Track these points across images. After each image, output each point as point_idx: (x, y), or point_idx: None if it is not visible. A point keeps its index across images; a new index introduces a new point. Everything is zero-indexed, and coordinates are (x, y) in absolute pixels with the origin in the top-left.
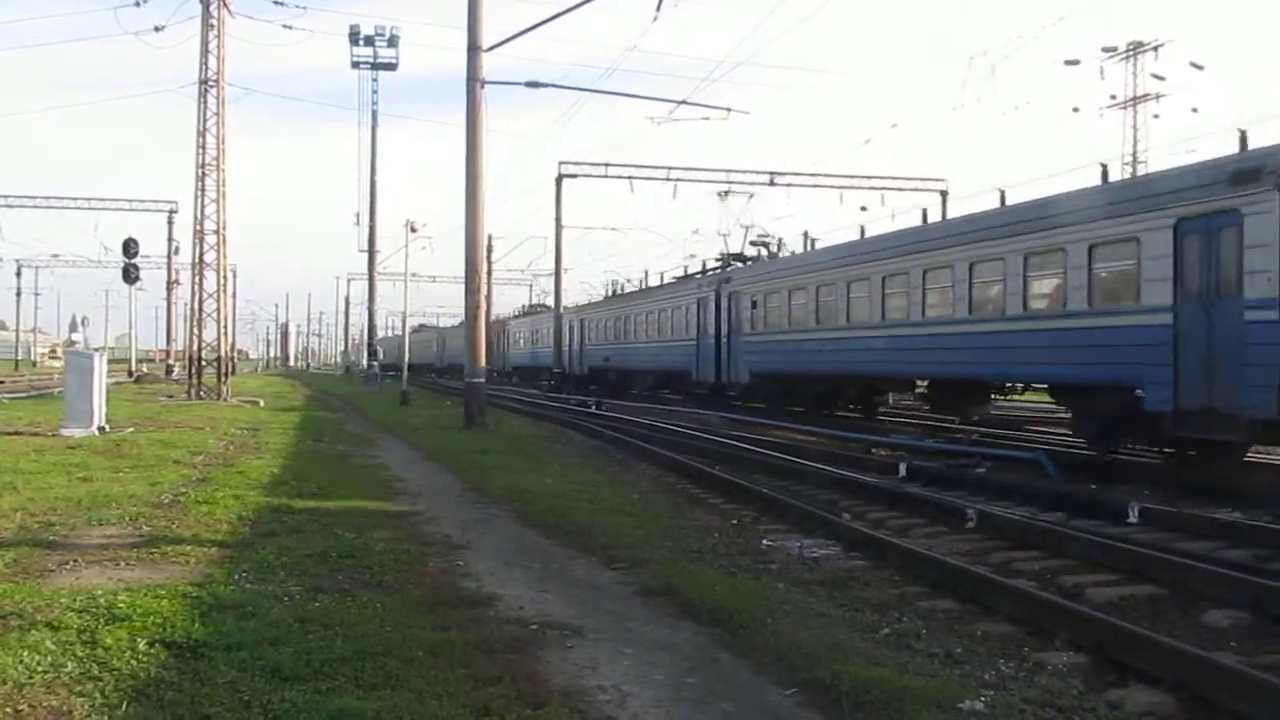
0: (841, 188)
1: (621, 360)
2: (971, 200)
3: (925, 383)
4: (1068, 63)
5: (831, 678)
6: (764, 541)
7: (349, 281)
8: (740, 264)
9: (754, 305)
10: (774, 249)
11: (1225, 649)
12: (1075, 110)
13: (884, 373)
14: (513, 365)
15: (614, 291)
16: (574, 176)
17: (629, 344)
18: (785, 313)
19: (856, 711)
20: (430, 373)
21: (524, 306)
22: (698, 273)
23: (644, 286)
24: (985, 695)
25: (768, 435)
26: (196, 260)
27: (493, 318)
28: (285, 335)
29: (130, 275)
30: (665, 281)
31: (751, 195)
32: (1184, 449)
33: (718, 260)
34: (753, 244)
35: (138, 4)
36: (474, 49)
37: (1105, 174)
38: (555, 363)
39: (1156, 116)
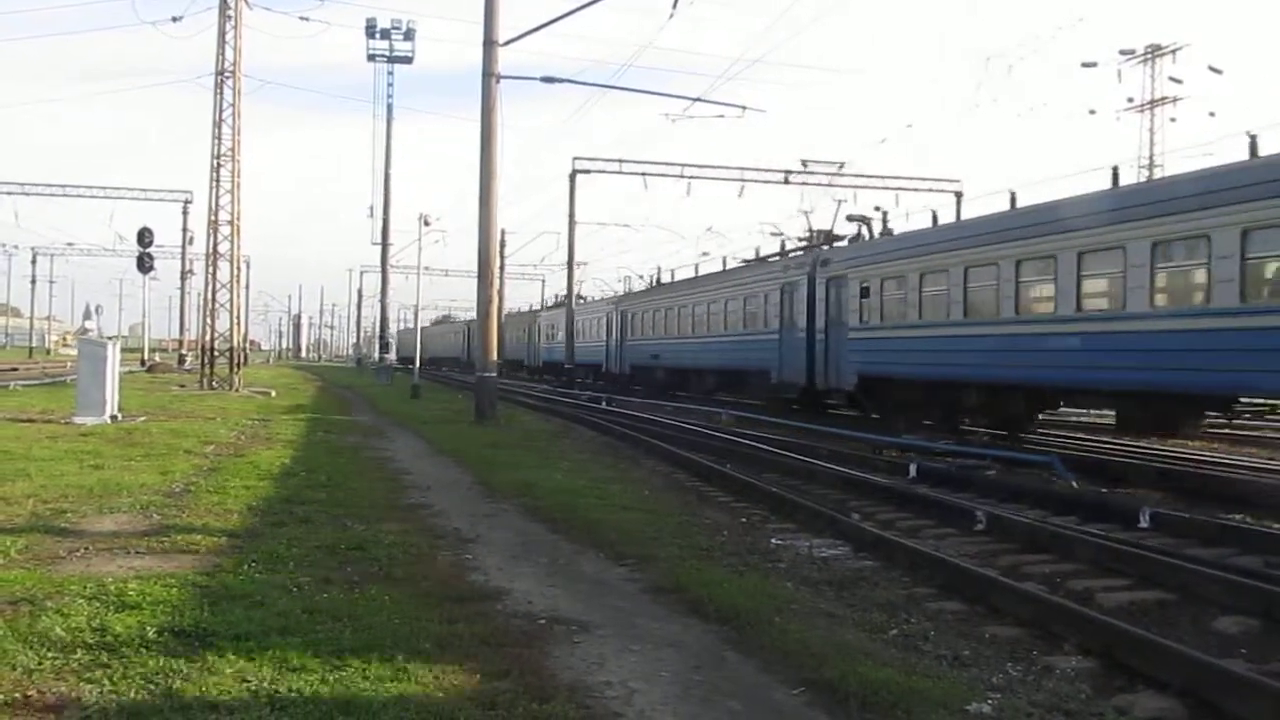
0: (856, 187)
1: (675, 358)
2: (988, 201)
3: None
4: (1085, 65)
5: (839, 678)
6: (773, 540)
7: (362, 274)
8: (830, 245)
9: (865, 292)
10: (879, 226)
11: (1235, 655)
12: (1092, 113)
13: (1070, 381)
14: (544, 361)
15: (658, 280)
16: (588, 172)
17: (685, 339)
18: (914, 301)
19: (864, 712)
20: (456, 367)
21: (557, 296)
22: (775, 255)
23: (697, 274)
24: (993, 698)
25: (778, 434)
26: (210, 250)
27: (519, 310)
28: (297, 327)
29: (144, 264)
30: (730, 266)
31: (841, 165)
32: None
33: (802, 239)
34: (850, 220)
35: None
36: (490, 44)
37: None
38: (567, 359)
39: (1173, 120)
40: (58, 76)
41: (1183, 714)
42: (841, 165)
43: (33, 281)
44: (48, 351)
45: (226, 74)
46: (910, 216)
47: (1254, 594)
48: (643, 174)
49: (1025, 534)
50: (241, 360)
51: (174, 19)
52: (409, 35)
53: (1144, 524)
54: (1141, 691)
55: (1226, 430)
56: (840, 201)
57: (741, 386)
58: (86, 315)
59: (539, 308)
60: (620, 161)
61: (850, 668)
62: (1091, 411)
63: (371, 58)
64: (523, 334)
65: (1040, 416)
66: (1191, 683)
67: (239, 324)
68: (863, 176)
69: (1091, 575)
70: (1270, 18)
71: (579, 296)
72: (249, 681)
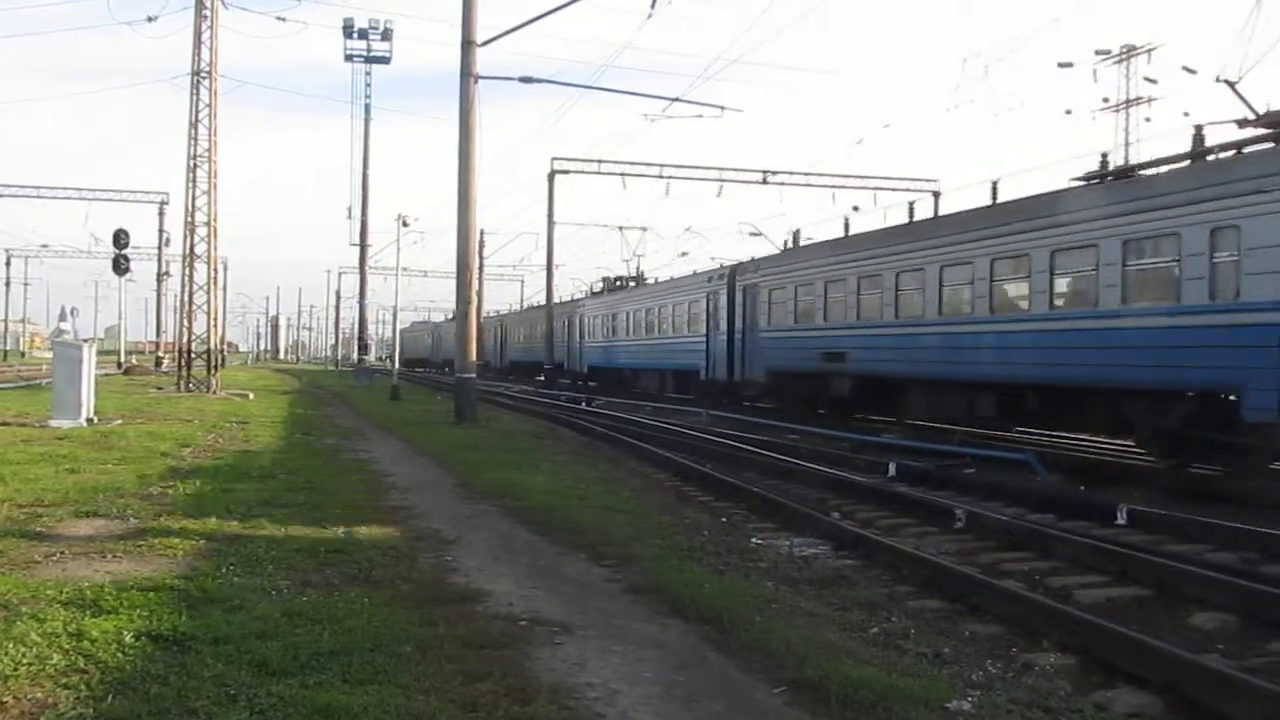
0: (834, 187)
1: (883, 359)
2: (965, 197)
3: None
4: (1061, 65)
5: (820, 676)
6: (753, 540)
7: (340, 275)
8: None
9: None
10: None
11: (1212, 651)
12: (1068, 113)
13: None
14: (590, 365)
15: (795, 240)
16: (566, 172)
17: (917, 327)
18: None
19: (845, 710)
20: (486, 372)
21: (605, 281)
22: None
23: (914, 218)
24: (973, 695)
25: (759, 434)
26: (187, 252)
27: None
28: (275, 329)
29: (120, 266)
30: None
31: None
32: None
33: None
34: None
35: None
36: (468, 44)
37: None
38: (547, 358)
39: (1148, 120)
40: (31, 76)
41: (1161, 709)
42: (765, 176)
43: (7, 284)
44: (22, 354)
45: (203, 74)
46: (888, 214)
47: (1230, 590)
48: (621, 174)
49: (1004, 532)
50: (219, 362)
51: (149, 19)
52: (386, 35)
53: (1121, 521)
54: (1120, 688)
55: None
56: None
57: (1102, 416)
58: (62, 317)
59: (580, 298)
60: (599, 162)
61: (832, 666)
62: None
63: (349, 58)
64: (559, 330)
65: None
66: (1169, 679)
67: (216, 326)
68: (840, 176)
69: (1070, 572)
70: (1242, 18)
71: (628, 279)
72: (227, 686)
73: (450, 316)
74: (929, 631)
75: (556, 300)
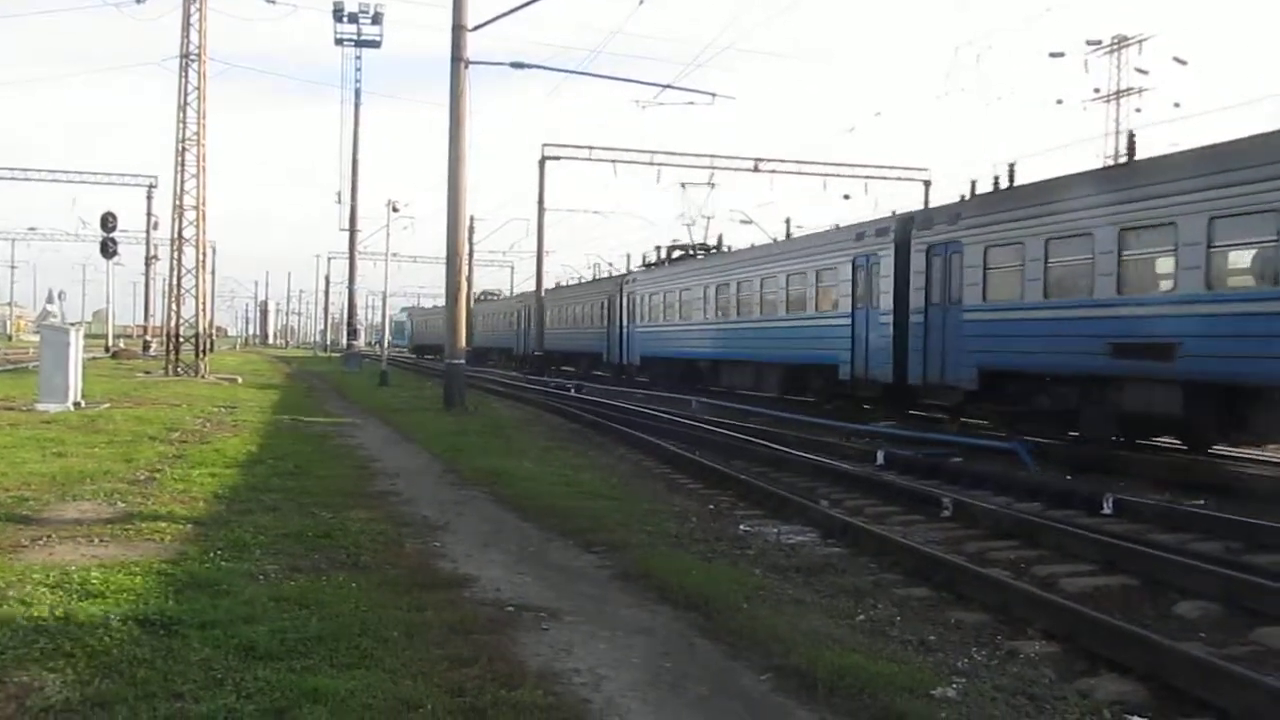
0: (825, 175)
1: None
2: (957, 187)
3: None
4: (1052, 55)
5: (806, 663)
6: (741, 527)
7: (329, 260)
8: None
9: None
10: None
11: (1194, 639)
12: (1059, 103)
13: None
14: (644, 355)
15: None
16: (557, 159)
17: None
18: None
19: (830, 697)
20: (508, 361)
21: (659, 249)
22: None
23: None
24: (958, 682)
25: (748, 421)
26: (175, 236)
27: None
28: (264, 313)
29: (108, 250)
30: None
31: None
32: None
33: None
34: None
35: None
36: (459, 28)
37: None
38: (537, 345)
39: (1139, 110)
40: (18, 58)
41: (1144, 696)
42: (756, 164)
43: None
44: (9, 338)
45: (191, 57)
46: (879, 205)
47: (1213, 578)
48: (612, 161)
49: (991, 521)
50: (207, 347)
51: (137, 1)
52: (377, 19)
53: (1107, 510)
54: (1104, 675)
55: None
56: None
57: None
58: (49, 301)
59: (624, 273)
60: (590, 148)
61: (817, 653)
62: None
63: (339, 42)
64: (597, 312)
65: None
66: (1152, 666)
67: (204, 310)
68: (832, 165)
69: (1056, 561)
70: (1231, 9)
71: (695, 248)
72: (214, 670)
73: (482, 297)
74: (915, 619)
75: (572, 283)
